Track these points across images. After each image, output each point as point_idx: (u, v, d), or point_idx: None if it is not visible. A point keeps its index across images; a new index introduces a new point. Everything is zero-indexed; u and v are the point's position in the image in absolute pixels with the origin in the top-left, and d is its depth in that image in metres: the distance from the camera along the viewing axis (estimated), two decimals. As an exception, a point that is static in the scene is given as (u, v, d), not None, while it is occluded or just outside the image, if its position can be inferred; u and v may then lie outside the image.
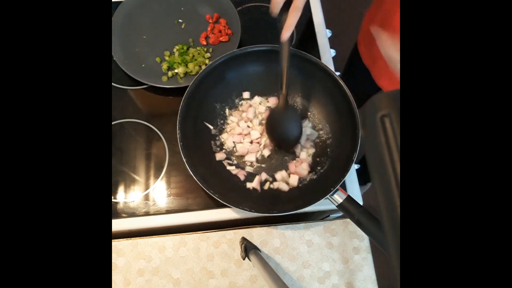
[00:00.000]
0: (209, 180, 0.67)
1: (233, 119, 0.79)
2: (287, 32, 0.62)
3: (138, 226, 0.72)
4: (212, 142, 0.77)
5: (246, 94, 0.81)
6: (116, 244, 0.70)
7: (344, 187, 0.76)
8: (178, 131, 0.68)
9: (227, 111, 0.80)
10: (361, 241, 0.72)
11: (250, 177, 0.74)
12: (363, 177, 0.80)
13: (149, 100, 0.85)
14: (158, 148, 0.79)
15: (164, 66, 0.85)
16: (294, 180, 0.72)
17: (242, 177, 0.74)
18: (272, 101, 0.81)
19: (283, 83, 0.68)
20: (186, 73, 0.85)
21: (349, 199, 0.63)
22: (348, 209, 0.63)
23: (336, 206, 0.64)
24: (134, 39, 0.89)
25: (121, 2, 0.91)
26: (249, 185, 0.73)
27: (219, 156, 0.75)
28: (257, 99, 0.81)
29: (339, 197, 0.63)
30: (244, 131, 0.77)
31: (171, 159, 0.78)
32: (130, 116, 0.82)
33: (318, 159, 0.75)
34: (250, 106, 0.80)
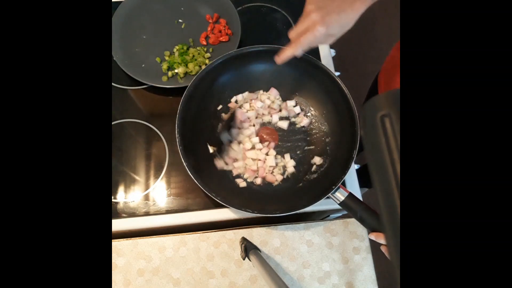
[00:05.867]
0: (211, 183, 0.67)
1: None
2: (279, 58, 0.61)
3: (138, 226, 0.72)
4: (212, 146, 0.76)
5: (239, 97, 0.81)
6: (116, 244, 0.70)
7: (344, 186, 0.76)
8: (177, 135, 0.68)
9: (223, 115, 0.79)
10: (361, 241, 0.72)
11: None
12: (363, 181, 0.80)
13: (149, 100, 0.85)
14: (158, 148, 0.79)
15: (164, 66, 0.85)
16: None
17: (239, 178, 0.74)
18: (273, 92, 0.81)
19: None
20: (186, 73, 0.85)
21: (351, 196, 0.63)
22: (350, 206, 0.63)
23: (338, 204, 0.64)
24: (134, 39, 0.89)
25: (121, 2, 0.91)
26: (239, 181, 0.74)
27: (219, 165, 0.75)
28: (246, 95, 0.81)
29: (341, 195, 0.63)
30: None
31: (171, 159, 0.78)
32: (130, 116, 0.82)
33: (318, 158, 0.75)
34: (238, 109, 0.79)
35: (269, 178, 0.74)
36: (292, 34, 0.59)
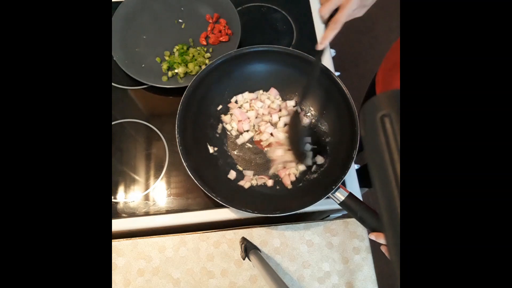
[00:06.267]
0: (211, 183, 0.67)
1: (227, 120, 0.79)
2: (321, 43, 0.61)
3: (138, 226, 0.72)
4: (212, 146, 0.76)
5: (239, 97, 0.80)
6: (116, 244, 0.70)
7: (344, 186, 0.76)
8: (177, 135, 0.68)
9: (222, 116, 0.79)
10: (361, 241, 0.72)
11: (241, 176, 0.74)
12: (363, 181, 0.80)
13: (149, 100, 0.85)
14: (158, 148, 0.79)
15: (164, 66, 0.85)
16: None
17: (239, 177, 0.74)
18: (273, 92, 0.81)
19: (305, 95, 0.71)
20: (186, 73, 0.85)
21: (351, 196, 0.63)
22: (350, 206, 0.63)
23: (338, 204, 0.64)
24: (134, 39, 0.89)
25: (121, 2, 0.91)
26: (242, 183, 0.73)
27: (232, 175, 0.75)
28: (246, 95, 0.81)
29: (341, 195, 0.63)
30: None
31: (171, 159, 0.78)
32: (130, 116, 0.82)
33: (318, 158, 0.75)
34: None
35: (285, 180, 0.74)
36: (324, 12, 0.58)
